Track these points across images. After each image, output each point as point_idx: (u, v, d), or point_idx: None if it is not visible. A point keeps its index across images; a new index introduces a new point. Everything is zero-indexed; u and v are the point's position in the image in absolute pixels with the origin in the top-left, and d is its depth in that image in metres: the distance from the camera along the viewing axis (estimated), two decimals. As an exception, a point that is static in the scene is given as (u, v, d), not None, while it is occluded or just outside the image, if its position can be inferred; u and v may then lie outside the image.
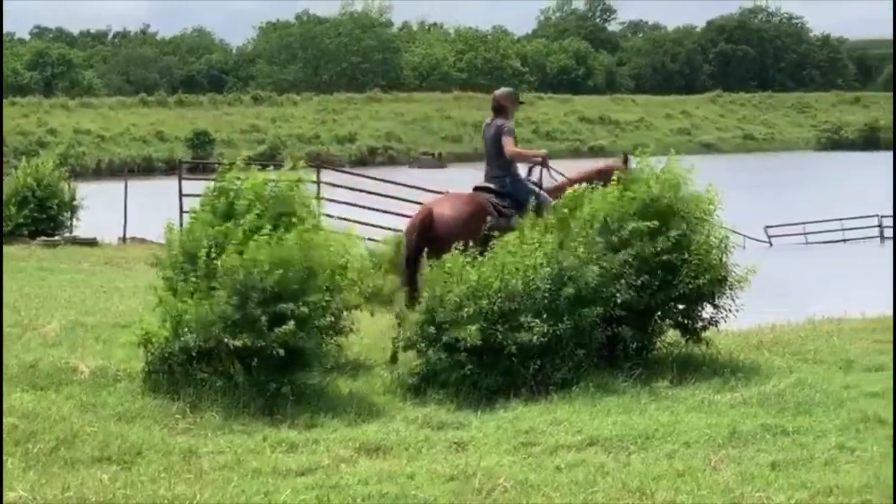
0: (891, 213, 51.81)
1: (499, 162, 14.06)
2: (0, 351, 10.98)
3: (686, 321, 12.86)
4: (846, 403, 10.81)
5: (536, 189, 13.93)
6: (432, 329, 11.71)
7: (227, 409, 10.73)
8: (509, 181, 13.99)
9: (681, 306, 12.65)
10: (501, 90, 14.94)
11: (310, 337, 11.10)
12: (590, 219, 12.59)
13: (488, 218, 13.41)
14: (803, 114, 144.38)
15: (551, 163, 14.31)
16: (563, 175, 14.29)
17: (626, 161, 14.07)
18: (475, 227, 13.25)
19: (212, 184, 12.49)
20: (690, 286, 12.32)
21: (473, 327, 11.38)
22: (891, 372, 12.42)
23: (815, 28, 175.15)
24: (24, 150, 44.02)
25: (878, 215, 52.21)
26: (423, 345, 11.81)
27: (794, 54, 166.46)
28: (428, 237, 13.36)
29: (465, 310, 11.52)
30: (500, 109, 14.34)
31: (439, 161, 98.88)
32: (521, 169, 14.46)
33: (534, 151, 15.48)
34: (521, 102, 15.38)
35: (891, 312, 16.74)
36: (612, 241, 12.44)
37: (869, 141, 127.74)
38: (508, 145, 13.93)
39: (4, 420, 9.96)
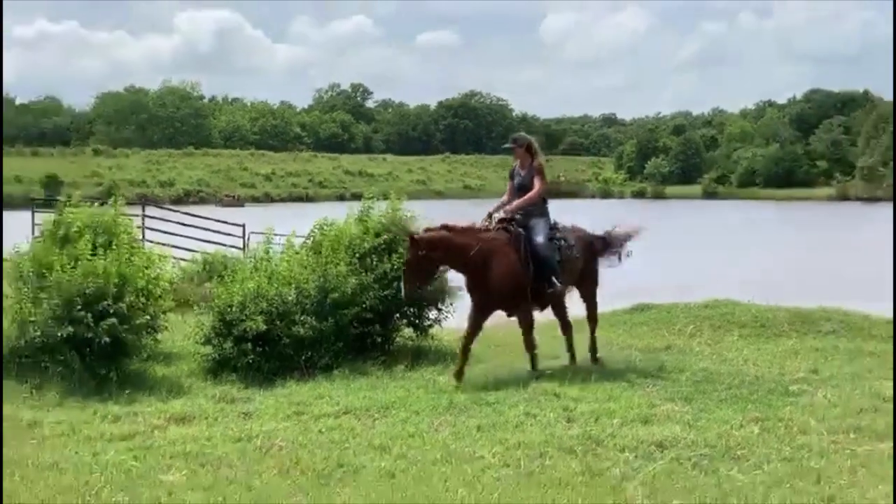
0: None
1: None
2: (0, 352, 10.28)
3: (417, 321, 13.00)
4: (530, 382, 10.97)
5: None
6: (223, 326, 11.63)
7: (65, 389, 10.46)
8: None
9: (413, 309, 12.78)
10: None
11: (130, 331, 10.93)
12: (342, 243, 12.79)
13: None
14: (506, 170, 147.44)
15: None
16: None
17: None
18: None
19: (52, 216, 12.25)
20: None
21: (259, 318, 11.39)
22: (564, 359, 12.72)
23: (516, 108, 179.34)
24: None
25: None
26: (216, 340, 11.70)
27: (501, 127, 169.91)
28: None
29: (248, 309, 11.51)
30: None
31: (238, 202, 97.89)
32: None
33: None
34: (510, 147, 12.46)
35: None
36: (364, 262, 12.56)
37: (553, 191, 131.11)
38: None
39: None
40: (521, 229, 11.70)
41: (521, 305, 11.70)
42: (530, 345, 11.84)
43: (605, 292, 13.57)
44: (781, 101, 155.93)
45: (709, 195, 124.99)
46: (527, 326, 11.86)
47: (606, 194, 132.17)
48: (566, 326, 12.55)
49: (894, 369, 11.22)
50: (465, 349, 11.49)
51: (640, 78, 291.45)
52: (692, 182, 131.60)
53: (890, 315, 16.43)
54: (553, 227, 12.00)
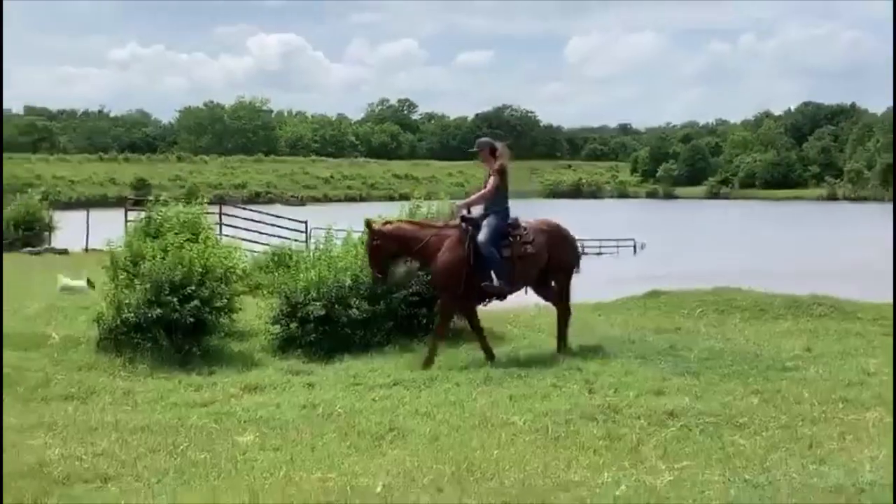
0: (590, 238, 52.71)
1: None
2: (0, 350, 10.17)
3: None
4: (557, 358, 10.90)
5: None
6: (289, 309, 11.69)
7: (154, 362, 10.55)
8: None
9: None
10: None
11: (210, 313, 11.03)
12: None
13: None
14: (535, 174, 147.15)
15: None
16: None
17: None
18: None
19: (143, 213, 12.41)
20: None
21: (319, 304, 11.42)
22: (586, 338, 12.63)
23: (542, 119, 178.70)
24: (17, 190, 42.39)
25: (580, 239, 52.55)
26: (283, 320, 11.75)
27: (530, 136, 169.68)
28: None
29: (311, 294, 11.56)
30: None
31: (301, 202, 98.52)
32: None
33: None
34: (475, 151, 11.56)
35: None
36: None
37: (576, 192, 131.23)
38: None
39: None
40: (471, 226, 11.03)
41: (453, 296, 11.08)
42: (441, 332, 11.21)
43: (622, 279, 13.48)
44: (778, 112, 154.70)
45: (713, 195, 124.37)
46: (443, 313, 11.32)
47: (623, 194, 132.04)
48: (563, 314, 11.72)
49: (894, 357, 11.05)
50: (476, 329, 11.27)
51: (652, 92, 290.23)
52: (699, 184, 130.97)
53: (875, 300, 16.27)
54: (511, 224, 11.17)
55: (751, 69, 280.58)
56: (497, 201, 11.19)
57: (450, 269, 10.94)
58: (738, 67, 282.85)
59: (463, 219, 11.21)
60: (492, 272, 10.95)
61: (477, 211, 11.34)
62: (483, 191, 11.26)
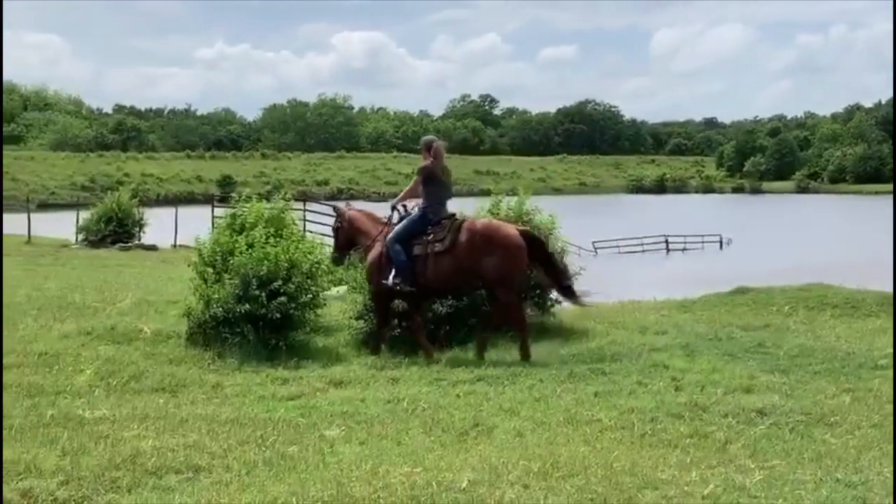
0: (674, 233, 52.09)
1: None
2: (0, 360, 10.42)
3: (539, 300, 12.91)
4: (642, 355, 10.84)
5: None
6: (372, 304, 11.76)
7: (242, 357, 10.68)
8: None
9: (537, 291, 12.71)
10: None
11: (297, 308, 11.15)
12: None
13: None
14: (618, 169, 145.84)
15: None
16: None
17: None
18: None
19: (229, 210, 12.61)
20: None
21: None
22: (672, 335, 12.51)
23: (626, 114, 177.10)
24: (108, 187, 43.46)
25: (665, 235, 52.19)
26: (367, 316, 11.84)
27: (612, 130, 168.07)
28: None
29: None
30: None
31: (382, 198, 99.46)
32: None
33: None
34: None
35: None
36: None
37: (660, 188, 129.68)
38: None
39: (94, 363, 9.86)
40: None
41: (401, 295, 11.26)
42: (419, 328, 11.30)
43: (706, 278, 13.28)
44: (869, 104, 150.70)
45: (802, 190, 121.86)
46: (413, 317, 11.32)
47: (708, 190, 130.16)
48: (494, 319, 11.28)
49: (894, 353, 10.72)
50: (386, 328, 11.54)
51: (739, 85, 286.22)
52: (786, 178, 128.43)
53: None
54: (434, 222, 11.09)
55: (840, 62, 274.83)
56: (426, 200, 11.35)
57: (369, 267, 11.56)
58: (826, 60, 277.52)
59: (400, 219, 11.49)
60: (394, 270, 11.12)
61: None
62: (406, 188, 11.78)
